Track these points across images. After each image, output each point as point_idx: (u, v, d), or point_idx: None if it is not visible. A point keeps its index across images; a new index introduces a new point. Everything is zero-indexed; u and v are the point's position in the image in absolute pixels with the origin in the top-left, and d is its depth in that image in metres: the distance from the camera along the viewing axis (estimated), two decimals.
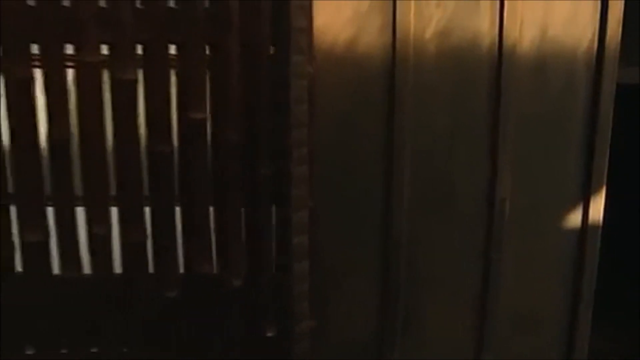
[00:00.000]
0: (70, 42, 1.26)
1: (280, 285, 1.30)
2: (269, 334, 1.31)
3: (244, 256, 1.29)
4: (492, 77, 1.73)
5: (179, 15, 1.26)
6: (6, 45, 1.26)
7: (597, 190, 1.72)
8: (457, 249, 1.78)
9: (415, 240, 1.75)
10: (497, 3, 1.71)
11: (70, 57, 1.27)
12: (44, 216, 1.31)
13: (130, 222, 1.29)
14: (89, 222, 1.29)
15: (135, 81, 1.28)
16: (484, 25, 1.72)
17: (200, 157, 1.27)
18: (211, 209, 1.31)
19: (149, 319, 1.32)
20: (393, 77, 1.70)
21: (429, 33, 1.72)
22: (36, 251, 1.30)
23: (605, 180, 1.71)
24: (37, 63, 1.24)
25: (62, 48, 1.27)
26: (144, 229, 1.29)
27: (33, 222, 1.30)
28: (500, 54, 1.71)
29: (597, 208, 1.72)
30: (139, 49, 1.27)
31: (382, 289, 1.74)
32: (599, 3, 1.66)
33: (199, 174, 1.28)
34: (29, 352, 1.31)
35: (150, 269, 1.32)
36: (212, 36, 1.26)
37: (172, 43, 1.27)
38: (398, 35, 1.69)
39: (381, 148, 1.71)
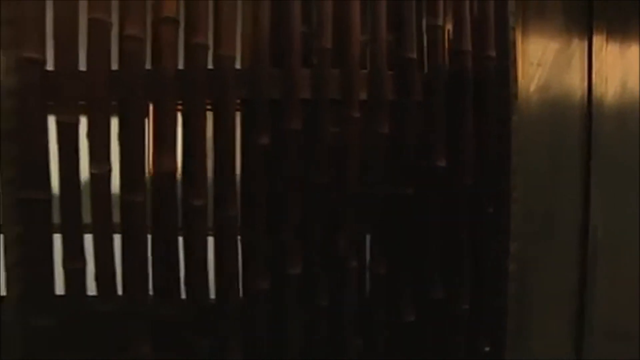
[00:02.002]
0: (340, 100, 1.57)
1: (497, 307, 1.68)
2: (486, 349, 1.67)
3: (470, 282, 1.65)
4: (583, 122, 2.27)
5: (427, 76, 1.62)
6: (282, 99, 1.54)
7: None
8: (558, 269, 2.27)
9: (523, 261, 2.22)
10: (586, 63, 2.27)
11: (336, 113, 1.56)
12: (301, 249, 1.56)
13: (379, 253, 1.60)
14: (347, 255, 1.58)
15: (388, 134, 1.59)
16: (576, 81, 2.27)
17: (437, 198, 1.62)
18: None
19: (388, 342, 1.62)
20: None
21: (532, 87, 2.22)
22: (293, 282, 1.56)
23: None
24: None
25: (328, 106, 1.56)
26: (386, 260, 1.61)
27: (292, 254, 1.56)
28: (590, 104, 2.26)
29: None
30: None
31: None
32: None
33: (433, 213, 1.63)
34: None
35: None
36: (451, 96, 1.63)
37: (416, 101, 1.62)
38: None
39: None
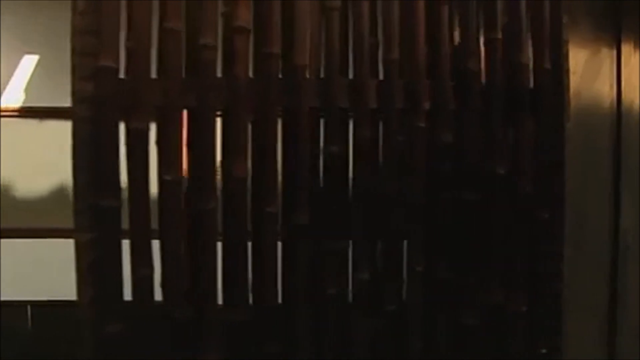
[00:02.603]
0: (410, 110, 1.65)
1: (553, 309, 1.78)
2: (543, 351, 1.77)
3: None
4: (612, 129, 2.40)
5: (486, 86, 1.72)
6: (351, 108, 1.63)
7: None
8: (589, 271, 2.39)
9: None
10: (615, 71, 2.40)
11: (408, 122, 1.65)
12: (373, 255, 1.65)
13: (439, 260, 1.69)
14: (412, 260, 1.67)
15: (451, 143, 1.69)
16: (605, 89, 2.39)
17: (496, 204, 1.72)
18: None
19: (450, 345, 1.71)
20: None
21: None
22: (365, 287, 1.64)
23: None
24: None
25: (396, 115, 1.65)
26: (450, 266, 1.70)
27: (364, 260, 1.64)
28: (619, 111, 2.39)
29: None
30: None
31: None
32: None
33: (493, 219, 1.72)
34: None
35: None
36: (508, 106, 1.72)
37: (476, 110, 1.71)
38: None
39: None
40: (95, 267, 1.59)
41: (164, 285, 1.62)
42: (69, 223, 2.49)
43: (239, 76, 1.59)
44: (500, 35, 1.71)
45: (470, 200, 1.69)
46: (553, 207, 1.75)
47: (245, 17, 1.59)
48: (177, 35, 1.59)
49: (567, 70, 1.78)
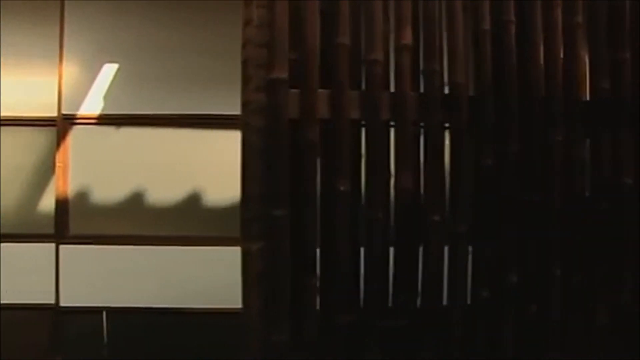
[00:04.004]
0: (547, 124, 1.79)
1: None
2: None
3: None
4: None
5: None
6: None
7: None
8: None
9: None
10: None
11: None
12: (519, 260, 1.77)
13: (575, 264, 1.85)
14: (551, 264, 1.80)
15: (584, 155, 1.85)
16: None
17: (629, 213, 1.86)
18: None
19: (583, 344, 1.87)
20: None
21: None
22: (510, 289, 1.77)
23: None
24: None
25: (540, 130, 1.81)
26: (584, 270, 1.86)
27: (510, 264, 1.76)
28: None
29: None
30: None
31: None
32: None
33: (621, 225, 1.88)
34: None
35: None
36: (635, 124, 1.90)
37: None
38: None
39: None
40: (263, 277, 1.64)
41: (325, 292, 1.69)
42: (145, 229, 2.53)
43: (406, 91, 1.70)
44: (628, 55, 1.87)
45: (601, 209, 1.85)
46: None
47: (409, 35, 1.70)
48: (346, 50, 1.67)
49: None
